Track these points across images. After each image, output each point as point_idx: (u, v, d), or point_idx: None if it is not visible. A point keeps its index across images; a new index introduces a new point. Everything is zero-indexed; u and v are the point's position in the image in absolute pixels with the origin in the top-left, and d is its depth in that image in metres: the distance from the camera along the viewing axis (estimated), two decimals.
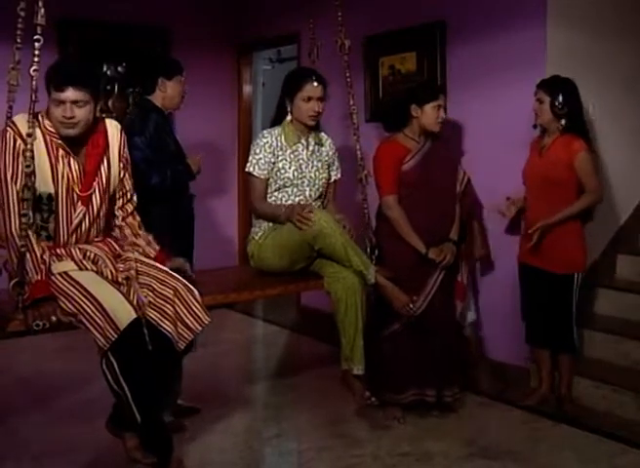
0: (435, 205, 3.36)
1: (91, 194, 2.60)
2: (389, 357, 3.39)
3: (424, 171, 3.35)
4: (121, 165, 2.70)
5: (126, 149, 2.74)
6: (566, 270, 3.43)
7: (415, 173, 3.35)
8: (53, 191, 2.52)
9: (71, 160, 2.55)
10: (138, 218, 2.80)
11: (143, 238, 2.76)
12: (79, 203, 2.58)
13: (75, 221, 2.59)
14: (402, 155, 3.36)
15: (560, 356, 3.58)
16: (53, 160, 2.52)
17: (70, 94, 2.44)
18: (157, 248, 2.76)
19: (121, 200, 2.75)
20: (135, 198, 2.79)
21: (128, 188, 2.76)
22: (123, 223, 2.76)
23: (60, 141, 2.53)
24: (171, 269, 2.67)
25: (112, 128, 2.70)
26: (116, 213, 2.75)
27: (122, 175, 2.71)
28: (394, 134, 3.45)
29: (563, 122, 3.40)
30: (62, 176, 2.53)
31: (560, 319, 3.50)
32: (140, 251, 2.71)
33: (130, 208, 2.78)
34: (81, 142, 2.59)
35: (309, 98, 3.12)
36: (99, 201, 2.63)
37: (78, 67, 2.55)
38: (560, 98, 3.36)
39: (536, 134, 3.58)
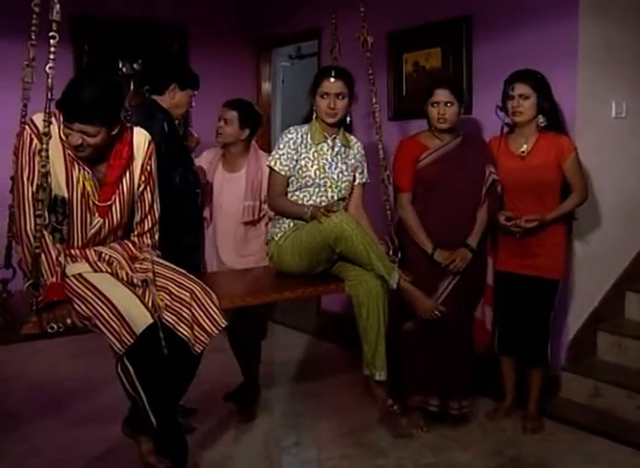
0: (453, 206, 3.32)
1: (110, 205, 2.59)
2: (399, 355, 3.36)
3: (442, 169, 3.32)
4: (143, 177, 2.67)
5: (151, 161, 2.69)
6: (553, 275, 3.38)
7: (430, 171, 3.33)
8: (67, 195, 2.52)
9: (86, 168, 2.54)
10: (155, 238, 2.77)
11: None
12: (96, 213, 2.58)
13: (92, 231, 2.59)
14: (418, 153, 3.36)
15: (530, 370, 3.51)
16: (68, 165, 2.52)
17: (78, 126, 2.42)
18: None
19: (139, 214, 2.72)
20: (156, 213, 2.75)
21: (148, 202, 2.71)
22: (136, 240, 2.73)
23: (69, 153, 2.51)
24: None
25: (139, 138, 2.66)
26: (134, 226, 2.74)
27: (142, 187, 2.68)
28: (421, 131, 3.46)
29: (542, 119, 3.32)
30: (78, 182, 2.53)
31: (535, 329, 3.43)
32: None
33: (147, 224, 2.74)
34: (101, 154, 2.56)
35: (326, 95, 3.13)
36: (118, 213, 2.62)
37: (90, 100, 2.39)
38: (548, 93, 3.29)
39: (492, 133, 3.52)
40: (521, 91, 3.30)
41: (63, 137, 2.50)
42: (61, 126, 2.48)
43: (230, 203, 3.49)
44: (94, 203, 2.56)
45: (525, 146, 3.37)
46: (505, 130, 3.47)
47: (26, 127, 2.48)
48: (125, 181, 2.63)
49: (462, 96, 3.41)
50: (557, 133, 3.36)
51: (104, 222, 2.60)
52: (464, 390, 3.46)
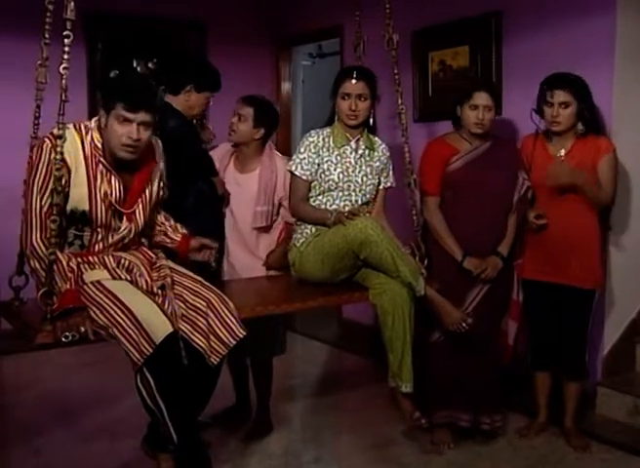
0: (483, 212, 3.31)
1: (135, 210, 2.66)
2: (423, 369, 3.35)
3: (473, 174, 3.31)
4: (161, 183, 2.77)
5: (162, 162, 2.79)
6: (589, 284, 3.35)
7: (460, 175, 3.32)
8: (87, 208, 2.56)
9: (112, 178, 2.59)
10: (170, 220, 2.91)
11: (170, 226, 2.88)
12: (124, 218, 2.64)
13: (118, 236, 2.64)
14: (448, 155, 3.35)
15: (567, 383, 3.47)
16: (91, 177, 2.55)
17: (142, 115, 2.48)
18: (183, 231, 2.87)
19: (161, 214, 2.88)
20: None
21: (161, 204, 2.86)
22: (170, 232, 2.88)
23: (102, 160, 2.56)
24: (197, 248, 2.85)
25: (157, 145, 2.76)
26: (156, 224, 2.88)
27: (162, 191, 2.79)
28: (448, 132, 3.44)
29: (580, 127, 3.30)
30: (101, 193, 2.57)
31: (572, 342, 3.41)
32: (164, 234, 2.86)
33: (170, 220, 2.91)
34: (126, 161, 2.61)
35: (347, 96, 3.13)
36: (143, 216, 2.69)
37: (149, 88, 2.56)
38: (589, 100, 3.27)
39: (523, 136, 3.51)
40: (561, 98, 3.25)
41: (97, 144, 2.55)
42: (107, 124, 2.51)
43: (240, 206, 3.43)
44: (118, 210, 2.61)
45: (562, 151, 3.34)
46: (541, 132, 3.43)
47: (46, 140, 2.50)
48: (148, 187, 2.70)
49: (500, 100, 3.37)
50: (596, 135, 3.34)
51: (131, 228, 2.66)
52: (495, 404, 3.44)
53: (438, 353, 3.35)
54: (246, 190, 3.42)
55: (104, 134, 2.55)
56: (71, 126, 2.51)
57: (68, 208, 2.53)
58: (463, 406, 3.37)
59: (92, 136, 2.56)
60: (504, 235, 3.34)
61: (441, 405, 3.38)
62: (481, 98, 3.26)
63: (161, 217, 2.88)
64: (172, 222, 2.89)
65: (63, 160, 2.43)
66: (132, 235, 2.67)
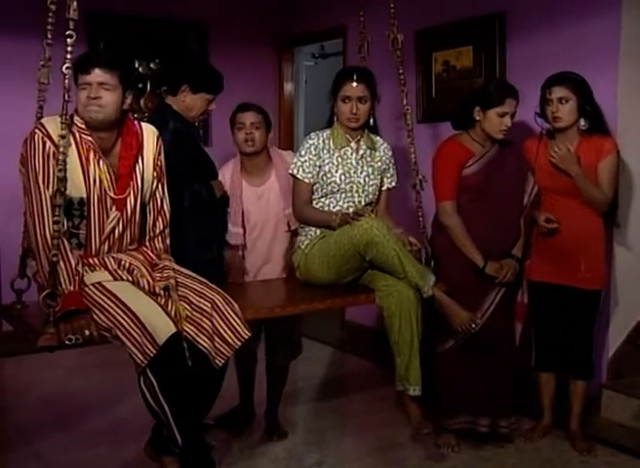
0: (498, 216, 3.29)
1: (126, 197, 2.63)
2: (440, 377, 3.35)
3: (488, 178, 3.28)
4: (155, 173, 2.72)
5: (161, 157, 2.75)
6: (594, 285, 3.35)
7: (477, 179, 3.28)
8: (85, 195, 2.55)
9: (101, 161, 2.58)
10: (167, 242, 2.79)
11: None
12: (113, 207, 2.61)
13: (108, 227, 2.61)
14: (464, 158, 3.30)
15: (574, 382, 3.46)
16: (84, 162, 2.55)
17: (96, 75, 2.51)
18: None
19: (152, 215, 2.76)
20: (167, 214, 2.79)
21: (159, 200, 2.77)
22: (148, 245, 2.75)
23: (90, 139, 2.56)
24: None
25: (148, 132, 2.73)
26: (146, 230, 2.77)
27: (155, 184, 2.73)
28: (458, 133, 3.39)
29: (583, 122, 3.27)
30: (95, 179, 2.56)
31: (577, 343, 3.41)
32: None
33: (160, 226, 2.78)
34: (112, 143, 2.62)
35: (348, 99, 3.12)
36: (133, 205, 2.66)
37: (105, 52, 2.61)
38: (590, 96, 3.25)
39: (525, 134, 3.50)
40: (559, 94, 3.23)
41: (80, 126, 2.55)
42: (77, 99, 2.53)
43: (268, 218, 3.41)
44: (111, 197, 2.59)
45: (571, 148, 3.32)
46: (544, 132, 3.41)
47: (36, 131, 2.51)
48: (138, 173, 2.68)
49: None
50: (602, 135, 3.31)
51: (121, 216, 2.63)
52: (512, 407, 3.43)
53: (455, 360, 3.33)
54: (270, 199, 3.41)
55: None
56: (58, 117, 2.46)
57: (66, 198, 2.49)
58: (482, 410, 3.35)
59: (75, 121, 2.56)
60: (518, 238, 3.33)
61: (460, 410, 3.36)
62: (511, 106, 3.23)
63: (159, 246, 2.77)
64: (165, 257, 2.74)
65: (57, 149, 2.44)
66: (120, 227, 2.63)
